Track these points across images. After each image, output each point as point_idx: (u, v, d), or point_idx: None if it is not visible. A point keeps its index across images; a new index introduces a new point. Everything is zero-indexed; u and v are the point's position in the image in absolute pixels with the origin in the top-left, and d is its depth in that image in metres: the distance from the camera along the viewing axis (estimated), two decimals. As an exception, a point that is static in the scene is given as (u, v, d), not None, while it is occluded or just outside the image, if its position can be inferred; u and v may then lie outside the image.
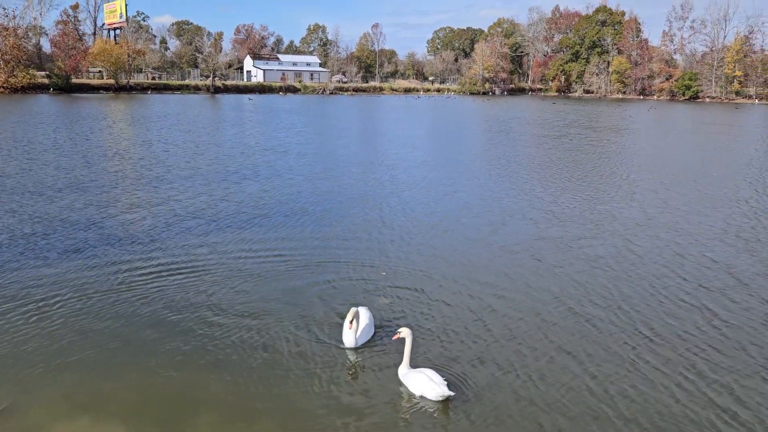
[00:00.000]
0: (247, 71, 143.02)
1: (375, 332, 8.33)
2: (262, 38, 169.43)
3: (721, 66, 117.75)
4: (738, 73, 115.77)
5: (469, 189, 19.47)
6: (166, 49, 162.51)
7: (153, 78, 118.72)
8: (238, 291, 9.92)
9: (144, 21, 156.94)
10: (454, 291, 10.14)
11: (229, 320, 8.76)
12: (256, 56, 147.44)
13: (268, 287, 10.12)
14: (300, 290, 10.00)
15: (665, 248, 12.87)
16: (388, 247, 12.61)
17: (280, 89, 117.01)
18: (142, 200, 16.77)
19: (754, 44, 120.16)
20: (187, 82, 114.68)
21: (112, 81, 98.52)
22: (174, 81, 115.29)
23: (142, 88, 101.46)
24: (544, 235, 13.77)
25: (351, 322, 7.75)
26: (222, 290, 9.94)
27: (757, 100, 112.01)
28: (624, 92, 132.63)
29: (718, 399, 6.92)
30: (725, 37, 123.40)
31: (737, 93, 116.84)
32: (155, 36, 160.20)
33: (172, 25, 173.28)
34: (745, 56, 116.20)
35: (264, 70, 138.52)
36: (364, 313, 8.31)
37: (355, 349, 7.87)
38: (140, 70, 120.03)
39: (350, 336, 7.85)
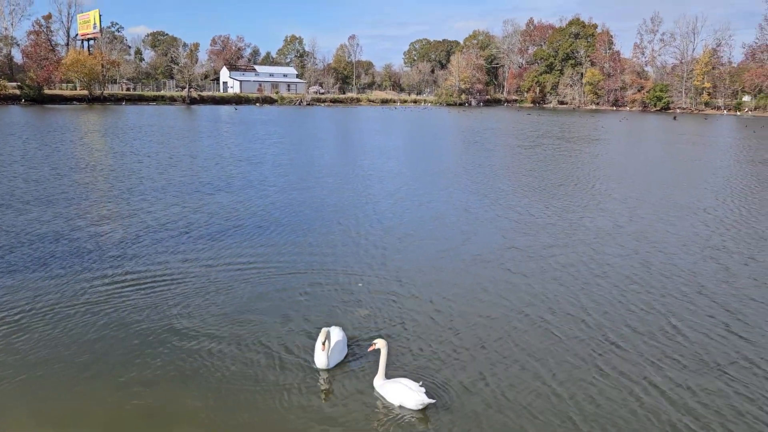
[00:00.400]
0: (224, 82, 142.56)
1: (348, 349, 8.18)
2: (239, 49, 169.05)
3: (691, 78, 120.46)
4: (707, 84, 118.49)
5: (442, 199, 19.65)
6: (141, 59, 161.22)
7: (127, 89, 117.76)
8: (209, 303, 9.90)
9: (118, 32, 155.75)
10: (425, 301, 10.24)
11: (200, 334, 8.73)
12: (232, 67, 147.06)
13: (240, 300, 10.11)
14: (272, 303, 10.00)
15: (631, 256, 13.14)
16: (360, 258, 12.69)
17: (256, 100, 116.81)
18: (112, 212, 16.64)
19: (721, 57, 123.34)
20: (162, 93, 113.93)
21: (85, 92, 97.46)
22: (149, 92, 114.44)
23: (117, 99, 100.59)
24: (515, 245, 13.97)
25: (323, 344, 7.52)
26: (192, 303, 9.91)
27: (725, 111, 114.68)
28: (597, 103, 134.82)
29: (677, 405, 7.10)
30: (694, 49, 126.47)
31: (706, 104, 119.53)
32: (130, 47, 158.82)
33: (147, 35, 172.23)
34: (713, 68, 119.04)
35: (241, 81, 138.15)
36: (337, 333, 8.10)
37: (328, 371, 7.71)
38: (114, 81, 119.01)
39: (322, 358, 7.65)
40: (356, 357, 8.09)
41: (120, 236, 13.96)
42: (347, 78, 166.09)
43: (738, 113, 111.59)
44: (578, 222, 16.46)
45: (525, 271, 11.99)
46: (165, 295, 10.19)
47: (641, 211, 18.14)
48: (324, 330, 7.63)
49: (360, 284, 10.99)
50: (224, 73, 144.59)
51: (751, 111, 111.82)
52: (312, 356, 7.94)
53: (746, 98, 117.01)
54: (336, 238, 14.27)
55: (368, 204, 18.54)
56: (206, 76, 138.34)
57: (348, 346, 8.26)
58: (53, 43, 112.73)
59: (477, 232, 15.16)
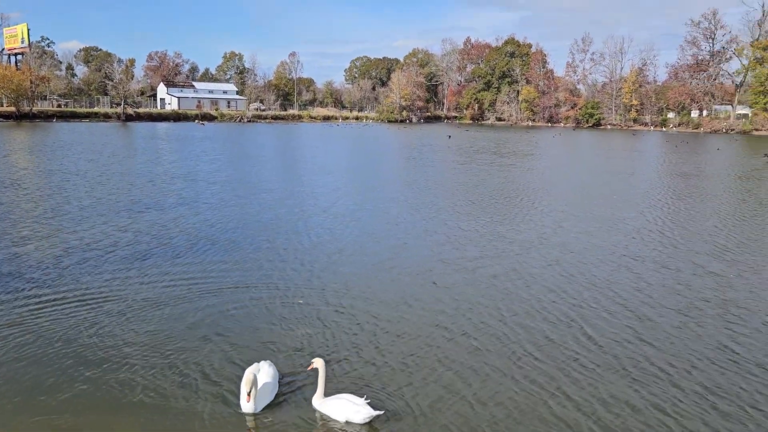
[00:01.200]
0: (161, 99, 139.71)
1: (280, 385, 7.65)
2: (177, 65, 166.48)
3: (620, 95, 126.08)
4: (635, 102, 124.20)
5: (375, 214, 19.86)
6: (73, 75, 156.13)
7: (59, 105, 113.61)
8: (134, 325, 9.67)
9: (48, 47, 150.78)
10: (353, 316, 10.32)
11: (124, 357, 8.49)
12: (170, 83, 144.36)
13: (167, 320, 9.92)
14: (202, 323, 9.83)
15: (553, 267, 13.66)
16: (291, 274, 12.68)
17: (196, 117, 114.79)
18: (34, 232, 16.04)
19: (647, 75, 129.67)
20: (96, 109, 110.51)
21: (12, 108, 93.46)
22: (82, 109, 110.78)
23: (47, 116, 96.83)
24: (442, 258, 14.28)
25: (249, 394, 6.95)
26: (116, 324, 9.65)
27: (652, 127, 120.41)
28: (533, 120, 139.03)
29: (585, 412, 7.40)
30: (622, 68, 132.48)
31: (635, 120, 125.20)
32: (61, 62, 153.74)
33: (80, 51, 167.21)
34: (640, 86, 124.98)
35: (179, 97, 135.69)
36: (266, 372, 7.46)
37: (255, 415, 7.12)
38: (45, 98, 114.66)
39: (248, 406, 7.05)
40: (293, 383, 7.86)
41: (40, 257, 13.49)
42: (288, 95, 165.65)
43: (664, 129, 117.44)
44: (506, 234, 16.96)
45: (451, 283, 12.28)
46: (86, 317, 9.91)
47: (566, 223, 18.86)
48: (249, 375, 7.07)
49: (300, 301, 10.98)
50: (161, 90, 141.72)
51: (675, 127, 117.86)
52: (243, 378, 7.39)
53: (671, 115, 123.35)
54: (267, 254, 14.22)
55: (302, 220, 18.56)
56: (143, 93, 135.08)
57: (280, 380, 7.73)
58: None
59: (407, 246, 15.42)
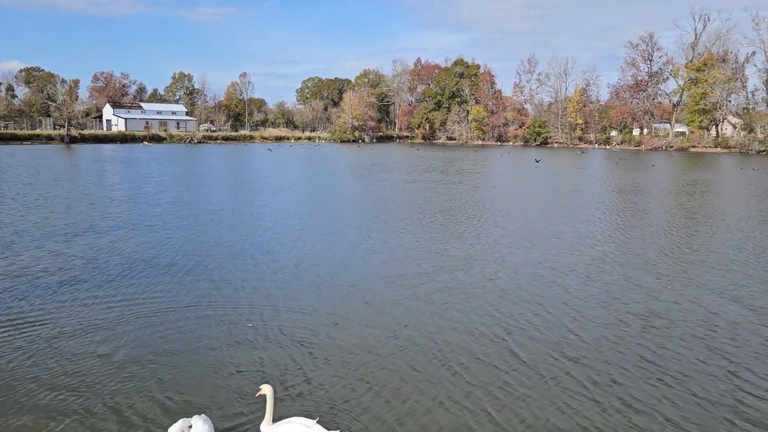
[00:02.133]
0: (107, 120, 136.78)
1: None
2: (123, 86, 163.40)
3: (565, 114, 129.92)
4: (579, 121, 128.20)
5: (317, 233, 19.86)
6: (14, 96, 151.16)
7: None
8: (53, 359, 9.38)
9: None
10: (288, 338, 10.32)
11: (34, 398, 8.18)
12: (116, 104, 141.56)
13: (92, 352, 9.65)
14: (131, 353, 9.61)
15: (488, 283, 13.95)
16: (227, 297, 12.57)
17: (143, 138, 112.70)
18: (-41, 260, 15.47)
19: (590, 95, 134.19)
20: (38, 131, 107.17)
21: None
22: (23, 131, 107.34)
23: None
24: (381, 276, 14.41)
25: None
26: (31, 358, 9.36)
27: (596, 145, 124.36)
28: (483, 139, 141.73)
29: (508, 429, 7.59)
30: (566, 89, 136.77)
31: (580, 139, 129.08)
32: (1, 83, 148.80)
33: (21, 71, 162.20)
34: (584, 106, 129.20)
35: (125, 118, 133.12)
36: (200, 427, 6.67)
37: None
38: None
39: None
40: (234, 415, 7.67)
41: (-37, 285, 13.01)
42: (239, 115, 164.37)
43: (607, 147, 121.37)
44: (446, 252, 17.24)
45: (388, 302, 12.39)
46: (7, 346, 9.62)
47: (505, 239, 19.30)
48: (176, 428, 6.50)
49: (250, 324, 10.89)
50: (107, 111, 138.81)
51: (618, 145, 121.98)
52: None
53: (614, 133, 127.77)
54: (204, 277, 14.06)
55: (243, 241, 18.43)
56: (88, 114, 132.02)
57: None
58: None
59: (347, 265, 15.49)
